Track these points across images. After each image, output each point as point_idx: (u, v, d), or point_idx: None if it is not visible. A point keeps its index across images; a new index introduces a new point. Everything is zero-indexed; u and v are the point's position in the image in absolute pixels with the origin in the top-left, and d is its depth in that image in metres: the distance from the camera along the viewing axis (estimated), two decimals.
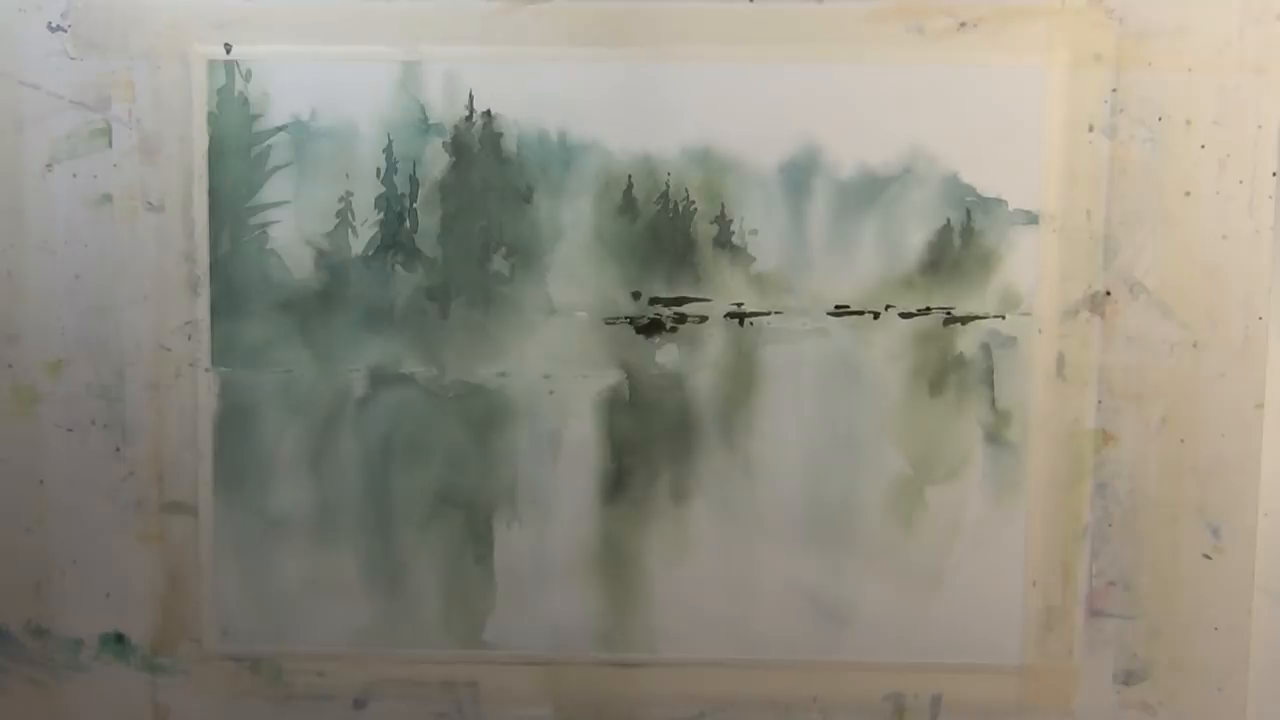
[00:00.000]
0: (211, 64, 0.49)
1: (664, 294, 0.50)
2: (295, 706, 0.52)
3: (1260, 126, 0.49)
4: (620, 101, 0.49)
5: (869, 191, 0.50)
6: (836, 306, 0.50)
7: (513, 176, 0.50)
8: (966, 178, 0.50)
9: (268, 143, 0.50)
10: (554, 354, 0.50)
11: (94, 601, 0.52)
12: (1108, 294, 0.50)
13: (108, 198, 0.50)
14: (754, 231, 0.50)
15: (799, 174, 0.50)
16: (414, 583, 0.52)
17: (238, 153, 0.50)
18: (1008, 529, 0.51)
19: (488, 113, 0.50)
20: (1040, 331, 0.50)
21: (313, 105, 0.49)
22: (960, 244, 0.50)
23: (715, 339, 0.50)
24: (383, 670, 0.52)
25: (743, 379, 0.50)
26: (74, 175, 0.50)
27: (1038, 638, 0.51)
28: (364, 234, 0.50)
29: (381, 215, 0.50)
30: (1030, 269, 0.50)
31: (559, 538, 0.51)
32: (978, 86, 0.49)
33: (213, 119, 0.50)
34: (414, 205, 0.50)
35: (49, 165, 0.50)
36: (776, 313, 0.50)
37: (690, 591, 0.51)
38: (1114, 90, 0.49)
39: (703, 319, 0.50)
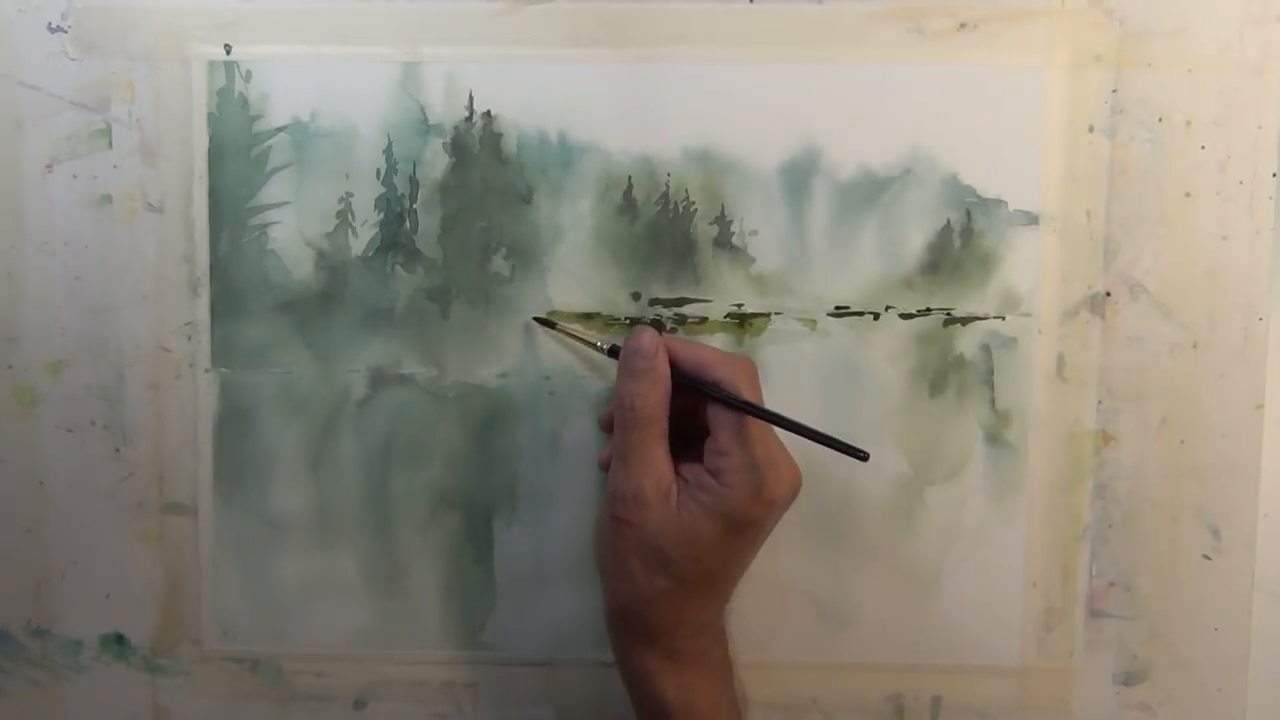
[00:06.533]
0: (211, 65, 0.49)
1: (664, 295, 0.50)
2: (295, 707, 0.52)
3: (1260, 127, 0.49)
4: (620, 102, 0.49)
5: (869, 192, 0.50)
6: (837, 307, 0.50)
7: (513, 177, 0.50)
8: (966, 178, 0.49)
9: (268, 144, 0.50)
10: (554, 355, 0.50)
11: (94, 602, 0.52)
12: (1108, 295, 0.50)
13: (108, 199, 0.50)
14: (754, 232, 0.50)
15: (799, 175, 0.50)
16: (414, 583, 0.52)
17: (238, 154, 0.50)
18: (1008, 530, 0.51)
19: (488, 113, 0.49)
20: (1040, 332, 0.50)
21: (313, 106, 0.49)
22: (960, 245, 0.50)
23: (715, 340, 0.50)
24: (383, 671, 0.52)
25: None
26: (74, 176, 0.50)
27: (1037, 638, 0.51)
28: (364, 235, 0.50)
29: (381, 216, 0.50)
30: (1030, 270, 0.50)
31: (559, 538, 0.51)
32: (978, 87, 0.49)
33: (213, 120, 0.50)
34: (414, 206, 0.50)
35: (49, 166, 0.50)
36: (777, 313, 0.50)
37: None
38: (1114, 91, 0.49)
39: (703, 320, 0.50)
